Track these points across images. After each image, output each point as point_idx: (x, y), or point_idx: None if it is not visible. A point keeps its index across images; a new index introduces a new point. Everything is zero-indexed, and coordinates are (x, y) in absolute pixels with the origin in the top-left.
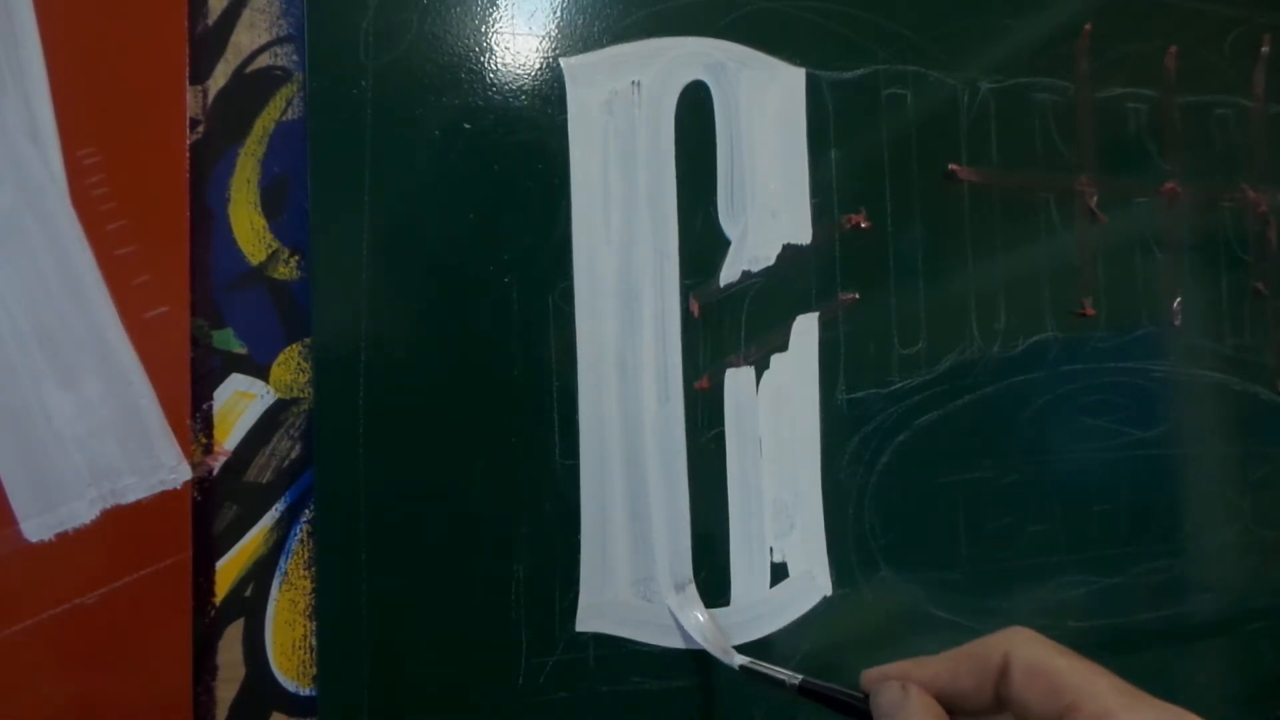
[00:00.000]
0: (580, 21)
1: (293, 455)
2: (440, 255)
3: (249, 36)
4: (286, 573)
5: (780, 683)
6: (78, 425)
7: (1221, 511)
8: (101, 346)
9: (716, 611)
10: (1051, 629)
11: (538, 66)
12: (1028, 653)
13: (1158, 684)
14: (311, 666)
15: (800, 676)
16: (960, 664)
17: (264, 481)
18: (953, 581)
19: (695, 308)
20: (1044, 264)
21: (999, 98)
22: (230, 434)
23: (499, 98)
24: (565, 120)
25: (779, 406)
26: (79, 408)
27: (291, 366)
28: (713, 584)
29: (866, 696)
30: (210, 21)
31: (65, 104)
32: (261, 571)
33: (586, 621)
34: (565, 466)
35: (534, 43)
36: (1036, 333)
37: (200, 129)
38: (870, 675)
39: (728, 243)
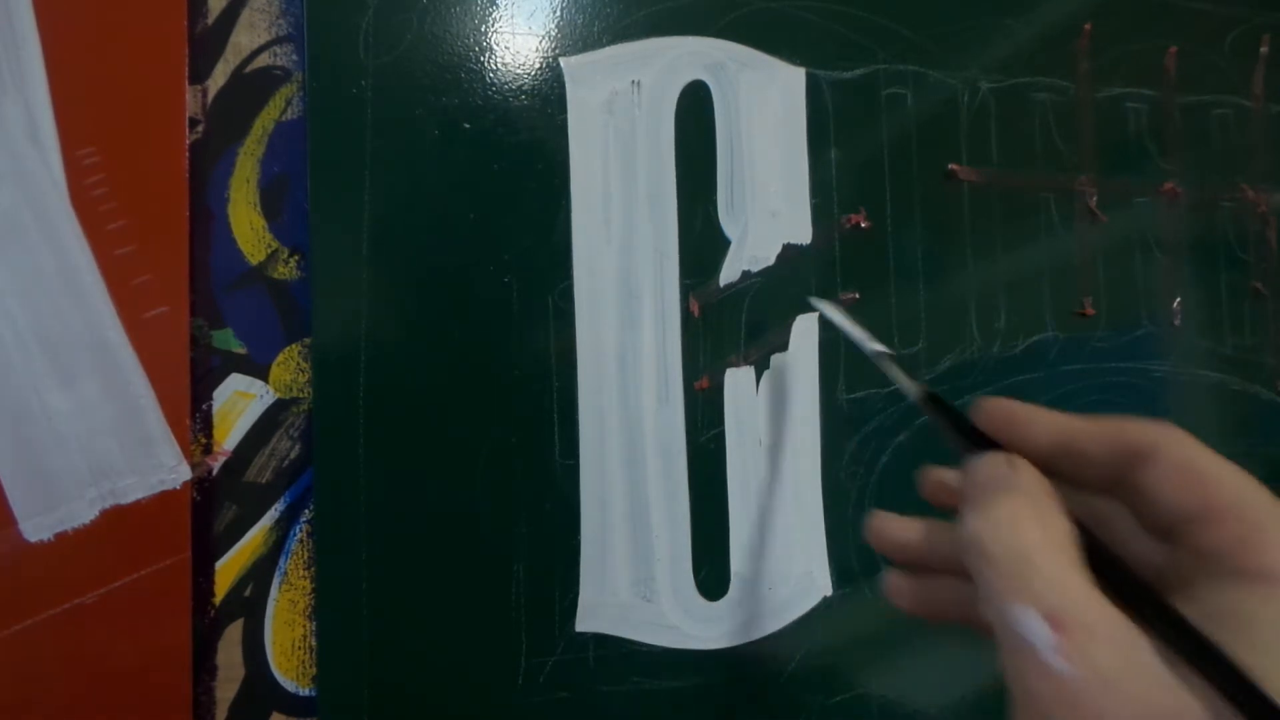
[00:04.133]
0: (580, 21)
1: (292, 455)
2: (440, 255)
3: (249, 36)
4: (286, 573)
5: (906, 389)
6: (78, 425)
7: None
8: (101, 346)
9: (716, 605)
10: None
11: (538, 66)
12: (1181, 450)
13: None
14: (311, 666)
15: (925, 388)
16: (1090, 432)
17: (264, 481)
18: None
19: (695, 308)
20: (1044, 264)
21: (999, 98)
22: (230, 434)
23: (499, 98)
24: (565, 120)
25: (779, 406)
26: (79, 408)
27: (291, 366)
28: (713, 584)
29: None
30: (210, 21)
31: (65, 104)
32: (261, 571)
33: (586, 621)
34: (565, 466)
35: (534, 43)
36: (1036, 333)
37: (200, 129)
38: (992, 409)
39: (728, 243)
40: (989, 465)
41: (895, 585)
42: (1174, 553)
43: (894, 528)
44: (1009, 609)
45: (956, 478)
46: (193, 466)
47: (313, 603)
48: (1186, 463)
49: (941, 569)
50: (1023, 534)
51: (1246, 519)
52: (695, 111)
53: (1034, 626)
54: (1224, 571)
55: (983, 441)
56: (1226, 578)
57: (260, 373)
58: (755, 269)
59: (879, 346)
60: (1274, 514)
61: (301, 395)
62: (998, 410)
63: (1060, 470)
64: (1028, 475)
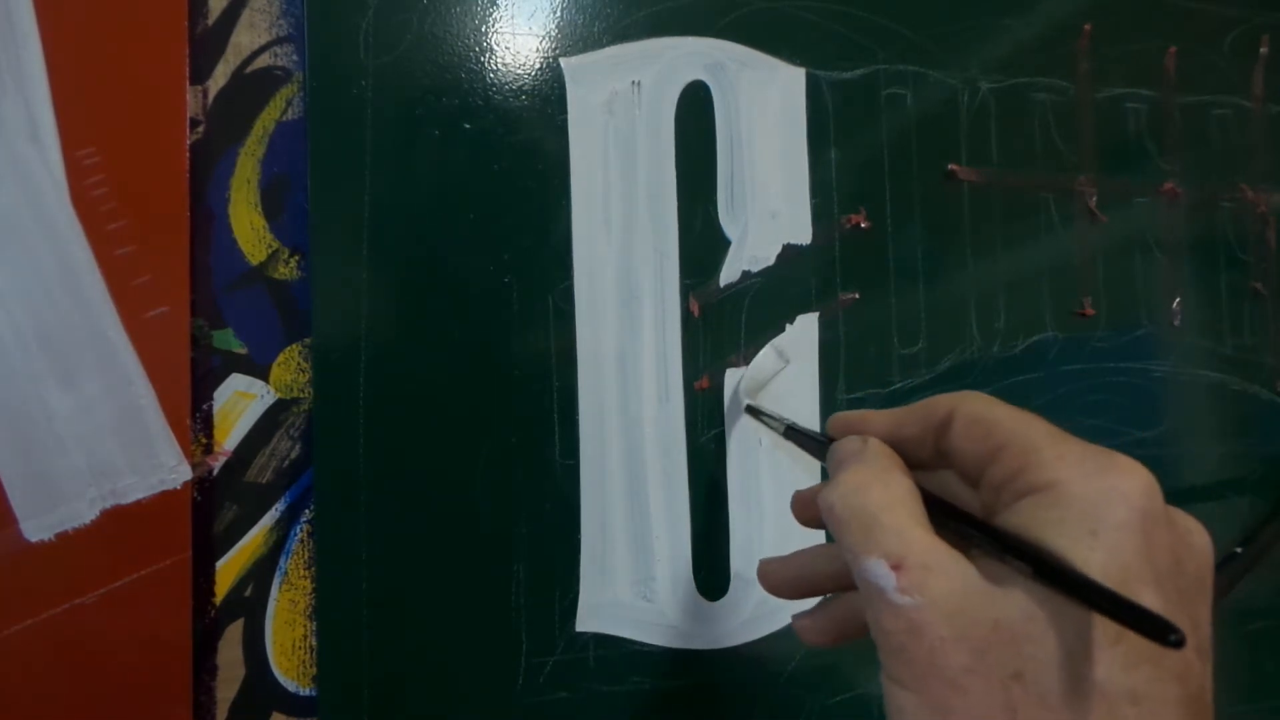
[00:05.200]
0: (580, 21)
1: (293, 455)
2: (440, 255)
3: (249, 36)
4: (286, 573)
5: (773, 428)
6: (78, 425)
7: (1221, 511)
8: (101, 346)
9: (716, 605)
10: None
11: (538, 66)
12: (971, 406)
13: None
14: (311, 666)
15: (788, 423)
16: (909, 414)
17: (264, 481)
18: None
19: (695, 308)
20: (1044, 264)
21: (999, 98)
22: (230, 434)
23: (499, 98)
24: (565, 120)
25: (779, 406)
26: (79, 408)
27: (291, 366)
28: (713, 584)
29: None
30: (210, 21)
31: (65, 104)
32: (261, 571)
33: (586, 621)
34: (565, 466)
35: (534, 43)
36: (1036, 333)
37: (200, 129)
38: (835, 419)
39: (728, 243)
40: (844, 445)
41: (801, 625)
42: (982, 495)
43: (775, 567)
44: (861, 562)
45: (817, 489)
46: (193, 466)
47: (313, 603)
48: (975, 416)
49: (835, 587)
50: (867, 495)
51: (1023, 446)
52: (695, 111)
53: (880, 572)
54: (1015, 495)
55: None
56: (1019, 500)
57: (260, 373)
58: (755, 269)
59: (747, 399)
60: (1044, 437)
61: (301, 395)
62: (839, 422)
63: (903, 457)
64: (873, 447)
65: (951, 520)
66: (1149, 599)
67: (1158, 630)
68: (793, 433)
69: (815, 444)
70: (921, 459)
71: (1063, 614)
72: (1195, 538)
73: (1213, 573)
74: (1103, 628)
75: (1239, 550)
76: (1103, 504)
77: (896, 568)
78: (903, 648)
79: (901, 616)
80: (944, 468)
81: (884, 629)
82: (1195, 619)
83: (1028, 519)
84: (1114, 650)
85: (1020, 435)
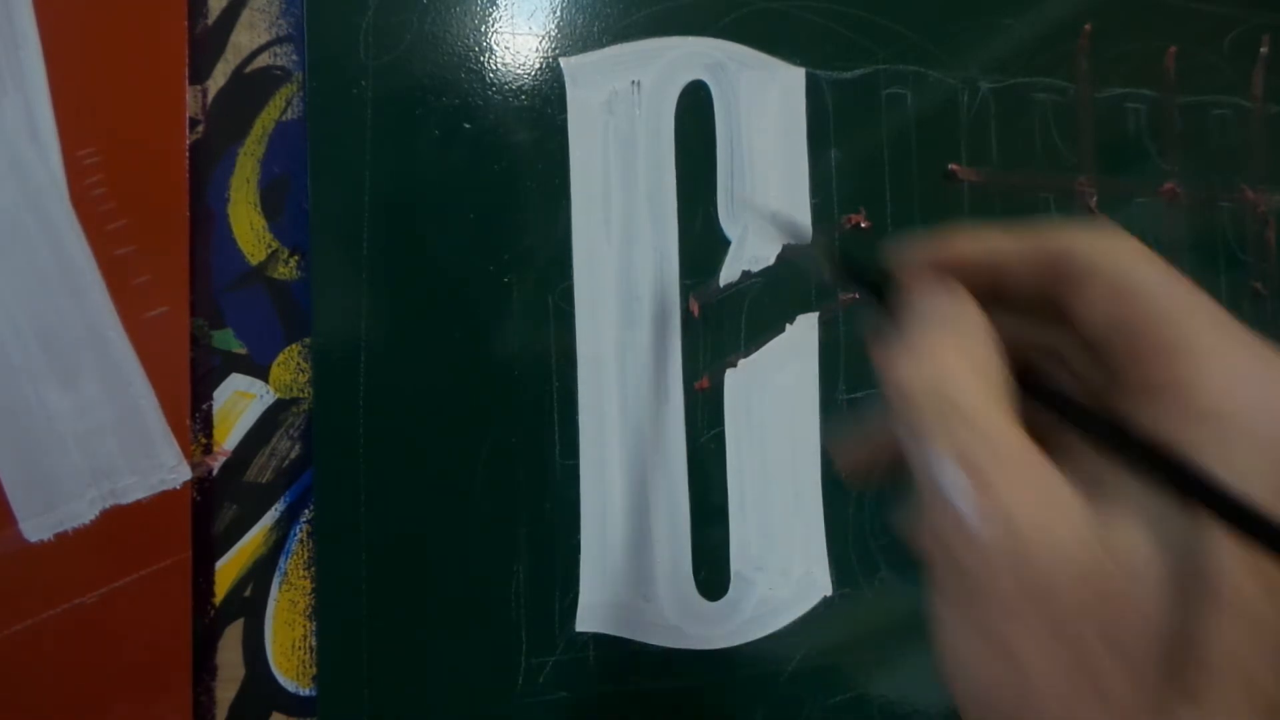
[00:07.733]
0: (580, 21)
1: (293, 455)
2: (440, 255)
3: (249, 36)
4: (286, 573)
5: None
6: (78, 425)
7: None
8: (101, 346)
9: (716, 605)
10: None
11: (538, 66)
12: (1115, 266)
13: None
14: (311, 666)
15: (818, 240)
16: (1018, 248)
17: (264, 481)
18: None
19: (695, 308)
20: None
21: (999, 98)
22: (230, 434)
23: (499, 98)
24: (565, 120)
25: (778, 404)
26: (79, 408)
27: (291, 366)
28: (713, 584)
29: (891, 276)
30: (210, 21)
31: (65, 104)
32: (261, 571)
33: (586, 621)
34: (565, 466)
35: (534, 43)
36: None
37: (200, 129)
38: (906, 247)
39: (728, 243)
40: (931, 298)
41: (838, 449)
42: (1104, 376)
43: (850, 445)
44: (929, 455)
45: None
46: (193, 466)
47: (313, 603)
48: (1119, 285)
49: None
50: (948, 368)
51: (1178, 348)
52: (695, 111)
53: (956, 480)
54: (1142, 388)
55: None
56: (1142, 394)
57: (260, 373)
58: (755, 269)
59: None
60: (1207, 337)
61: (301, 395)
62: (913, 247)
63: (991, 289)
64: (970, 313)
65: (1077, 418)
66: None
67: None
68: (843, 264)
69: (864, 283)
70: (1018, 298)
71: (1186, 562)
72: None
73: None
74: (1238, 588)
75: None
76: (1266, 423)
77: (976, 478)
78: (974, 586)
79: (976, 546)
80: (1048, 319)
81: (949, 549)
82: None
83: (1161, 429)
84: (1243, 619)
85: (1176, 336)
